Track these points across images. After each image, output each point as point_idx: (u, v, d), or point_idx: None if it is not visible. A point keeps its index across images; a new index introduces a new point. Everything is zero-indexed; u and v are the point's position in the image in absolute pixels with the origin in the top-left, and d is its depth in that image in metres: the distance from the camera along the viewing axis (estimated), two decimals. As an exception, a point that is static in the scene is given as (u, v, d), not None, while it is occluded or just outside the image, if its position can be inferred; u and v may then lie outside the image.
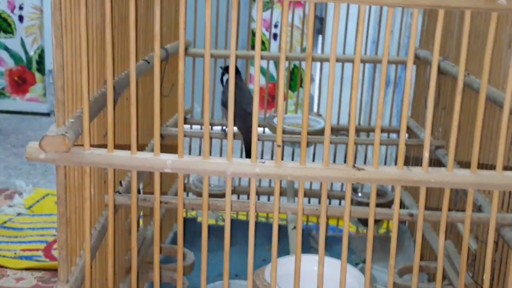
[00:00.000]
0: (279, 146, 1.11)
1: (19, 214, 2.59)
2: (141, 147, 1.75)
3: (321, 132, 2.18)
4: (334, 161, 2.38)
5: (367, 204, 1.18)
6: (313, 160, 2.46)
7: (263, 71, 3.62)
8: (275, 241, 1.16)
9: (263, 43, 3.79)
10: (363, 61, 2.29)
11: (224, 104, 1.98)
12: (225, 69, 2.05)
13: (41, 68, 4.14)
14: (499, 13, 1.05)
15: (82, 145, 1.14)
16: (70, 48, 1.13)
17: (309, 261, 1.33)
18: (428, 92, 1.12)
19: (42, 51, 4.08)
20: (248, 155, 1.91)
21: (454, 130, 1.12)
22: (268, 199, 2.51)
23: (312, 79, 3.76)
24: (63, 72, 1.10)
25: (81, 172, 1.19)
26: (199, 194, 2.14)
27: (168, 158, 1.13)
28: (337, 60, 2.30)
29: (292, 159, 2.44)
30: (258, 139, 2.23)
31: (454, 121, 1.12)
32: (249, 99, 1.93)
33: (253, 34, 3.46)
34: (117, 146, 1.35)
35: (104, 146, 1.15)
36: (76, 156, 1.11)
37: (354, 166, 1.12)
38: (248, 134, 1.96)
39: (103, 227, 1.34)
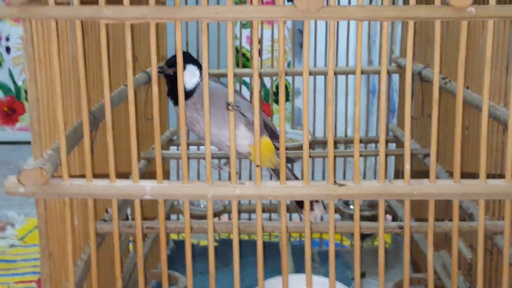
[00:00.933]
0: (257, 166, 1.10)
1: (11, 245, 2.56)
2: (127, 174, 1.74)
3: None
4: (324, 179, 2.37)
5: (361, 217, 1.17)
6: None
7: (247, 86, 3.62)
8: (260, 262, 1.15)
9: (247, 59, 3.79)
10: (345, 73, 2.29)
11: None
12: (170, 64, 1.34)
13: (29, 97, 4.13)
14: (470, 20, 1.05)
15: (61, 177, 1.12)
16: (44, 80, 1.13)
17: (300, 281, 1.31)
18: (413, 100, 1.11)
19: (30, 80, 4.07)
20: None
21: (434, 140, 1.11)
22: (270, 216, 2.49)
23: (298, 92, 3.76)
24: (37, 104, 1.10)
25: (62, 203, 1.17)
26: (192, 216, 2.13)
27: (147, 184, 1.12)
28: (319, 73, 2.30)
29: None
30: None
31: (433, 129, 1.11)
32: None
33: (237, 51, 3.46)
34: (101, 176, 1.34)
35: (85, 175, 1.14)
36: (55, 188, 1.10)
37: (335, 182, 1.11)
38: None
39: (90, 257, 1.33)
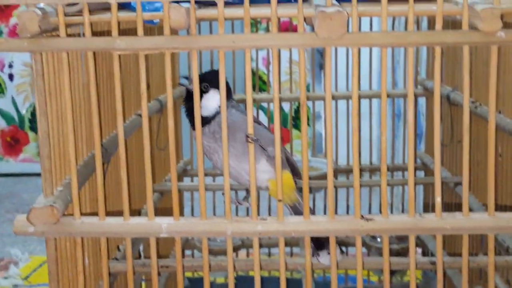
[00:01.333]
0: (279, 201, 1.12)
1: (15, 286, 2.59)
2: (140, 207, 1.76)
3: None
4: (348, 210, 2.37)
5: (390, 251, 1.18)
6: (325, 207, 2.45)
7: (265, 112, 3.65)
8: (283, 302, 1.16)
9: (263, 82, 3.83)
10: (368, 96, 2.31)
11: None
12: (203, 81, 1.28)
13: (34, 127, 4.19)
14: (500, 45, 1.07)
15: (72, 215, 1.15)
16: (55, 114, 1.16)
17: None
18: (441, 125, 1.13)
19: (35, 108, 4.12)
20: None
21: (466, 171, 1.12)
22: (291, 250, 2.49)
23: (319, 116, 3.78)
24: (48, 140, 1.13)
25: (73, 243, 1.20)
26: (209, 252, 2.14)
27: (163, 221, 1.14)
28: (340, 97, 2.32)
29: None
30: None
31: (464, 160, 1.12)
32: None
33: (253, 73, 3.49)
34: (113, 213, 1.36)
35: (97, 212, 1.17)
36: (66, 226, 1.13)
37: (362, 216, 1.13)
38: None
39: (102, 298, 1.34)
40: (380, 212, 1.14)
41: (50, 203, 1.11)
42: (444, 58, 2.04)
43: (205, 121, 1.25)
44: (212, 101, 1.27)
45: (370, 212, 2.28)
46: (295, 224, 1.12)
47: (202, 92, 1.25)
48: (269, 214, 2.40)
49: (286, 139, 3.89)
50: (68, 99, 1.12)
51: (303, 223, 1.12)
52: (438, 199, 1.12)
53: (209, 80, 1.23)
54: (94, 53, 1.11)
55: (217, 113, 1.26)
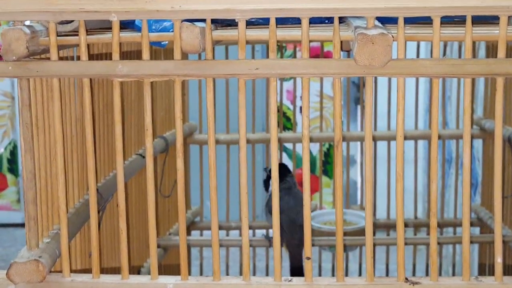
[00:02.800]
0: (308, 258, 1.11)
1: None
2: (139, 265, 1.76)
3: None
4: (387, 271, 2.36)
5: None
6: (360, 268, 2.44)
7: (289, 154, 3.65)
8: None
9: (287, 119, 3.84)
10: (413, 138, 2.31)
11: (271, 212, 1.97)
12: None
13: (13, 168, 4.21)
14: None
15: (60, 272, 1.15)
16: (43, 151, 1.16)
17: None
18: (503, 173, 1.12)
19: (15, 146, 4.15)
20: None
21: (532, 226, 1.11)
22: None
23: (353, 161, 3.78)
24: (34, 181, 1.13)
25: (61, 306, 1.19)
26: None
27: (169, 281, 1.13)
28: (380, 138, 2.32)
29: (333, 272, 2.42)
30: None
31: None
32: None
33: (277, 110, 3.50)
34: (107, 270, 1.36)
35: (89, 269, 1.16)
36: (53, 286, 1.12)
37: (406, 279, 1.12)
38: (296, 252, 1.99)
39: None
40: (427, 274, 1.13)
41: (35, 257, 1.10)
42: (504, 95, 2.04)
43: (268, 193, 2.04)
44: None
45: (414, 275, 2.26)
46: (326, 287, 1.11)
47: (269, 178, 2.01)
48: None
49: (314, 186, 3.88)
50: (59, 134, 1.13)
51: (336, 287, 1.11)
52: (498, 260, 1.11)
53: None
54: (91, 80, 1.12)
55: None
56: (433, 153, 1.09)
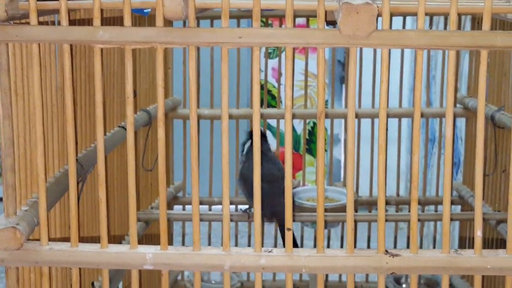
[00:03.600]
0: (288, 229, 1.10)
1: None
2: (120, 238, 1.75)
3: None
4: (369, 245, 2.36)
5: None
6: (342, 246, 2.43)
7: (273, 132, 3.64)
8: None
9: (272, 97, 3.82)
10: (397, 116, 2.30)
11: (244, 178, 1.98)
12: (250, 134, 2.06)
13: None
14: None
15: (38, 240, 1.13)
16: (22, 118, 1.15)
17: None
18: (485, 151, 1.11)
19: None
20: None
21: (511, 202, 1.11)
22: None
23: (337, 139, 3.77)
24: (13, 148, 1.11)
25: (39, 274, 1.18)
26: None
27: (148, 251, 1.12)
28: (364, 115, 2.31)
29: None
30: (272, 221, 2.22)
31: (510, 189, 1.11)
32: (281, 173, 1.90)
33: (262, 87, 3.49)
34: (87, 239, 1.34)
35: (68, 238, 1.15)
36: (30, 254, 1.11)
37: (386, 251, 1.11)
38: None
39: None
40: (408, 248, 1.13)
41: (12, 224, 1.09)
42: (488, 73, 2.03)
43: (241, 157, 2.08)
44: (246, 146, 2.05)
45: (395, 253, 2.26)
46: (306, 258, 1.11)
47: (245, 141, 2.07)
48: (275, 246, 2.38)
49: (298, 165, 3.87)
50: (38, 101, 1.11)
51: (317, 258, 1.10)
52: (478, 233, 1.10)
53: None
54: (71, 47, 1.10)
55: (247, 154, 2.04)
56: (416, 124, 1.08)
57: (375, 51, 2.33)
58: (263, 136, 2.04)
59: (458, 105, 2.27)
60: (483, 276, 1.14)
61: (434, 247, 2.41)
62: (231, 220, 1.99)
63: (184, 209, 2.38)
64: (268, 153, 2.03)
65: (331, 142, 2.48)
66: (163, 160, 1.11)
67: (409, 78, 3.07)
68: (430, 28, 2.35)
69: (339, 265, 1.11)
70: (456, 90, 2.32)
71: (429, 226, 2.76)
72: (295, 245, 1.86)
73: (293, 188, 2.27)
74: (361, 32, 1.03)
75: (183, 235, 2.41)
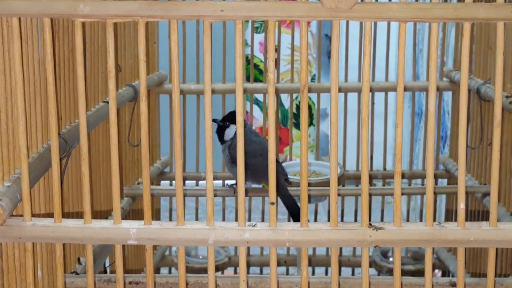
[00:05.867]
0: (272, 203, 1.10)
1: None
2: (106, 214, 1.74)
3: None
4: (356, 219, 2.37)
5: (403, 272, 1.17)
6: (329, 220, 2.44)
7: (260, 106, 3.63)
8: (274, 326, 1.14)
9: (259, 72, 3.82)
10: (383, 89, 2.30)
11: (235, 161, 1.93)
12: (225, 120, 1.99)
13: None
14: (542, 22, 1.05)
15: (21, 216, 1.13)
16: (3, 93, 1.14)
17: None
18: (469, 124, 1.11)
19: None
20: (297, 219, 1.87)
21: (495, 173, 1.11)
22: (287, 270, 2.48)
23: (325, 114, 3.77)
24: (-6, 123, 1.11)
25: (22, 250, 1.18)
26: (189, 270, 2.13)
27: (132, 226, 1.12)
28: (350, 89, 2.31)
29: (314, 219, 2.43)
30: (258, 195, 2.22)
31: (494, 162, 1.11)
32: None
33: (248, 62, 3.48)
34: (72, 215, 1.34)
35: (53, 214, 1.15)
36: (14, 229, 1.11)
37: (370, 225, 1.11)
38: (286, 193, 1.93)
39: (56, 319, 1.33)
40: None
41: (-6, 200, 1.08)
42: (474, 45, 2.03)
43: (226, 143, 1.99)
44: (231, 131, 1.97)
45: (382, 227, 2.27)
46: (290, 232, 1.11)
47: (226, 127, 1.97)
48: (263, 221, 2.39)
49: (285, 140, 3.87)
50: (19, 76, 1.10)
51: (300, 231, 1.11)
52: (461, 206, 1.10)
53: (230, 119, 1.94)
54: (53, 21, 1.09)
55: (233, 138, 1.95)
56: (399, 95, 1.08)
57: (361, 25, 2.33)
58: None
59: (444, 79, 2.27)
60: (467, 249, 1.15)
61: (421, 221, 2.42)
62: (217, 195, 2.00)
63: (171, 184, 2.38)
64: (253, 130, 2.02)
65: (318, 116, 2.48)
66: (146, 134, 1.11)
67: (396, 52, 3.06)
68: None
69: (322, 238, 1.11)
70: (442, 63, 2.32)
71: (416, 200, 2.77)
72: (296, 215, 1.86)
73: (281, 162, 2.27)
74: (343, 5, 1.03)
75: (170, 211, 2.42)
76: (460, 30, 2.17)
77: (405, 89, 2.18)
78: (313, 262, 2.40)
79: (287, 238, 1.11)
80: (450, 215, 2.25)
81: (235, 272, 2.41)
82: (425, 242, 1.11)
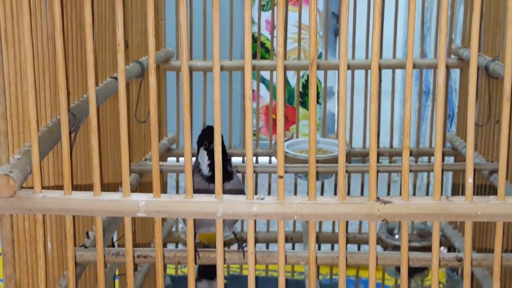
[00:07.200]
0: (280, 177, 1.11)
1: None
2: (115, 186, 1.76)
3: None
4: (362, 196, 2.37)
5: (410, 248, 1.17)
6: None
7: (267, 85, 3.64)
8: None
9: (266, 50, 3.82)
10: (390, 67, 2.30)
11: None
12: (199, 138, 1.54)
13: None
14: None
15: (31, 188, 1.14)
16: (13, 67, 1.14)
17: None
18: (477, 102, 1.11)
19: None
20: None
21: (503, 150, 1.11)
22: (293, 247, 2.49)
23: (331, 93, 3.78)
24: (4, 96, 1.11)
25: (33, 222, 1.19)
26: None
27: (141, 198, 1.13)
28: (358, 66, 2.31)
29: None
30: (264, 172, 2.23)
31: (502, 139, 1.11)
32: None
33: (255, 40, 3.48)
34: (80, 188, 1.35)
35: (62, 187, 1.16)
36: (24, 201, 1.12)
37: (378, 198, 1.12)
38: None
39: (66, 291, 1.34)
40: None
41: (5, 172, 1.09)
42: (483, 21, 2.03)
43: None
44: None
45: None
46: (298, 205, 1.12)
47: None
48: (269, 194, 2.40)
49: (291, 118, 3.88)
50: (29, 49, 1.11)
51: (308, 205, 1.11)
52: (469, 180, 1.11)
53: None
54: (62, -4, 1.10)
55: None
56: (408, 70, 1.08)
57: (369, 3, 2.33)
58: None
59: (452, 56, 2.27)
60: (473, 225, 1.16)
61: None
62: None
63: (178, 161, 2.39)
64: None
65: (325, 94, 2.48)
66: (155, 108, 1.12)
67: (403, 29, 3.06)
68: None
69: (330, 212, 1.12)
70: (451, 41, 2.32)
71: (422, 178, 2.77)
72: None
73: (286, 140, 2.28)
74: (353, -22, 1.03)
75: (177, 187, 2.43)
76: (469, 6, 2.17)
77: (413, 67, 2.17)
78: (319, 239, 2.41)
79: (295, 211, 1.12)
80: (457, 193, 2.26)
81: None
82: (432, 216, 1.12)
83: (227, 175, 1.43)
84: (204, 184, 1.45)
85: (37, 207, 1.13)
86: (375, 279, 1.18)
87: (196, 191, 1.16)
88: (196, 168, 1.47)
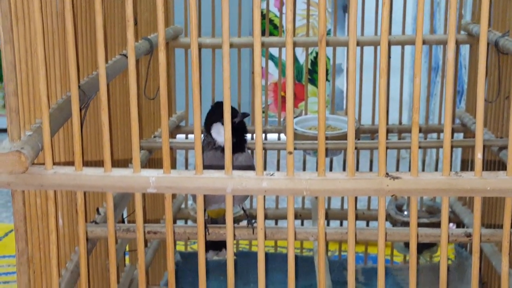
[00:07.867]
0: (290, 153, 1.12)
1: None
2: (124, 164, 1.77)
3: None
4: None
5: (419, 224, 1.18)
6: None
7: (275, 62, 3.63)
8: (291, 278, 1.16)
9: (274, 27, 3.81)
10: (400, 43, 2.29)
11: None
12: (211, 114, 1.54)
13: (-2, 73, 4.18)
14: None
15: (43, 164, 1.15)
16: (23, 43, 1.15)
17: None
18: (487, 78, 1.12)
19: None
20: None
21: (513, 124, 1.12)
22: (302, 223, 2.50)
23: (340, 70, 3.77)
24: (15, 73, 1.12)
25: (44, 198, 1.20)
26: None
27: (151, 174, 1.14)
28: (367, 43, 2.30)
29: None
30: (273, 148, 2.24)
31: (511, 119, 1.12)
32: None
33: (263, 16, 3.48)
34: (91, 163, 1.36)
35: (73, 163, 1.17)
36: (35, 177, 1.13)
37: (387, 174, 1.12)
38: None
39: (77, 266, 1.35)
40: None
41: (17, 148, 1.10)
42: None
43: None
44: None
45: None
46: (307, 181, 1.12)
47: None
48: (278, 170, 2.40)
49: (300, 96, 3.88)
50: (39, 26, 1.12)
51: (318, 181, 1.12)
52: (478, 156, 1.11)
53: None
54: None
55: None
56: (418, 43, 1.08)
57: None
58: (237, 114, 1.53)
59: (462, 32, 2.27)
60: (483, 199, 1.16)
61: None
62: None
63: (187, 138, 2.40)
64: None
65: (334, 71, 2.48)
66: (165, 85, 1.12)
67: (413, 5, 3.05)
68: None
69: (339, 188, 1.12)
70: (460, 16, 2.31)
71: (432, 155, 2.78)
72: None
73: (296, 117, 2.28)
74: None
75: (186, 164, 2.43)
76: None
77: (423, 43, 2.17)
78: (328, 215, 2.42)
79: (305, 187, 1.12)
80: (466, 169, 2.26)
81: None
82: (441, 192, 1.13)
83: (242, 147, 1.46)
84: (219, 156, 1.44)
85: (48, 183, 1.14)
86: (384, 255, 1.19)
87: (209, 166, 1.17)
88: (210, 143, 1.47)
